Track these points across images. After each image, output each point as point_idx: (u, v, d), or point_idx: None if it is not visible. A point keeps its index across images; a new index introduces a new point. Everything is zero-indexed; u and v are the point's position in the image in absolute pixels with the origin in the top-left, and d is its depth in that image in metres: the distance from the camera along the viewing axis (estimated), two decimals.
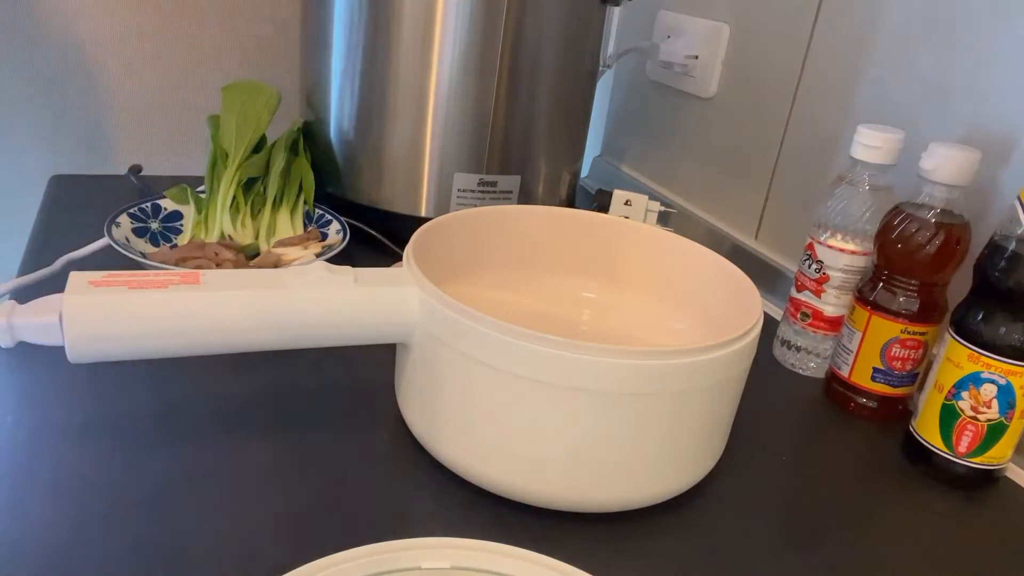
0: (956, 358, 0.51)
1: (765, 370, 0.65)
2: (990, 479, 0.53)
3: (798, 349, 0.65)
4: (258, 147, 0.75)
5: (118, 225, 0.66)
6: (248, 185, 0.73)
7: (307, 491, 0.44)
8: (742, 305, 0.49)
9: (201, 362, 0.55)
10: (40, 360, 0.52)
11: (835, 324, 0.63)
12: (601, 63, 0.82)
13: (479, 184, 0.75)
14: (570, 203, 0.86)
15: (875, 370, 0.58)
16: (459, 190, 0.75)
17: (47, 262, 0.64)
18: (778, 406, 0.60)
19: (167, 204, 0.73)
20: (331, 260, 0.64)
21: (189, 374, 0.53)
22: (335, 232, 0.72)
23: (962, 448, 0.51)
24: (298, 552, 0.40)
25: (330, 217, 0.74)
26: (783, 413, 0.59)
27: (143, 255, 0.63)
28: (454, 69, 0.71)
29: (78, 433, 0.46)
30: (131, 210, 0.69)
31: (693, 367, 0.41)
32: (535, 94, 0.75)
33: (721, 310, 0.52)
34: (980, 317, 0.50)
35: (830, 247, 0.60)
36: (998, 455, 0.51)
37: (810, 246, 0.62)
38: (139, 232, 0.68)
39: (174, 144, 1.09)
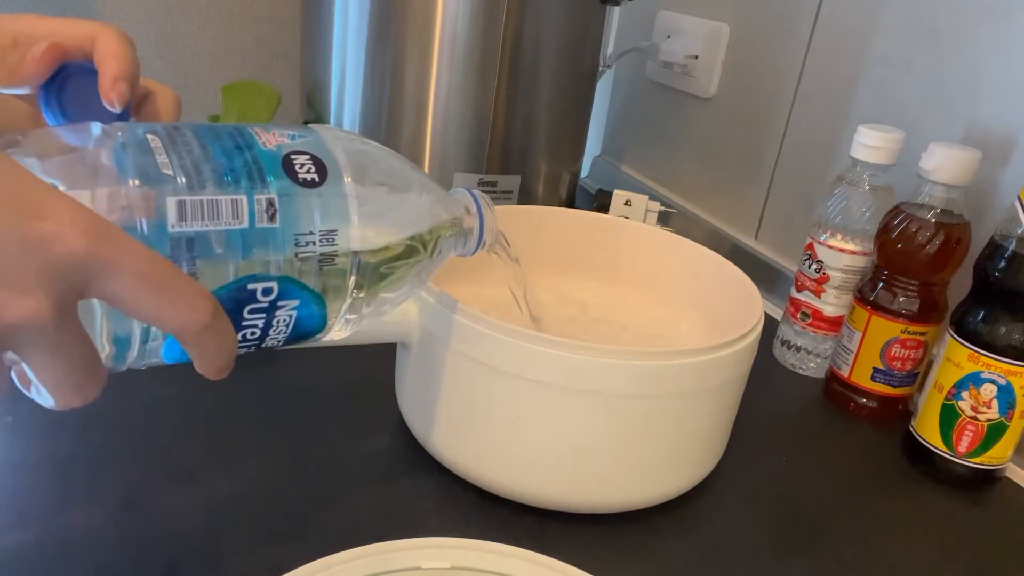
0: (956, 358, 0.51)
1: (765, 370, 0.65)
2: (990, 479, 0.53)
3: (798, 349, 0.65)
4: None
5: None
6: None
7: (307, 491, 0.44)
8: (742, 305, 0.49)
9: None
10: None
11: (835, 324, 0.63)
12: (601, 63, 0.82)
13: (479, 184, 0.75)
14: (570, 203, 0.86)
15: (875, 370, 0.58)
16: None
17: None
18: (778, 406, 0.60)
19: None
20: None
21: (188, 373, 0.53)
22: None
23: (962, 448, 0.51)
24: (298, 552, 0.40)
25: None
26: (783, 413, 0.59)
27: None
28: (454, 69, 0.71)
29: (78, 432, 0.46)
30: None
31: (694, 368, 0.41)
32: (535, 94, 0.75)
33: (721, 310, 0.52)
34: (980, 317, 0.50)
35: (830, 247, 0.60)
36: (998, 455, 0.51)
37: (810, 246, 0.62)
38: None
39: None
